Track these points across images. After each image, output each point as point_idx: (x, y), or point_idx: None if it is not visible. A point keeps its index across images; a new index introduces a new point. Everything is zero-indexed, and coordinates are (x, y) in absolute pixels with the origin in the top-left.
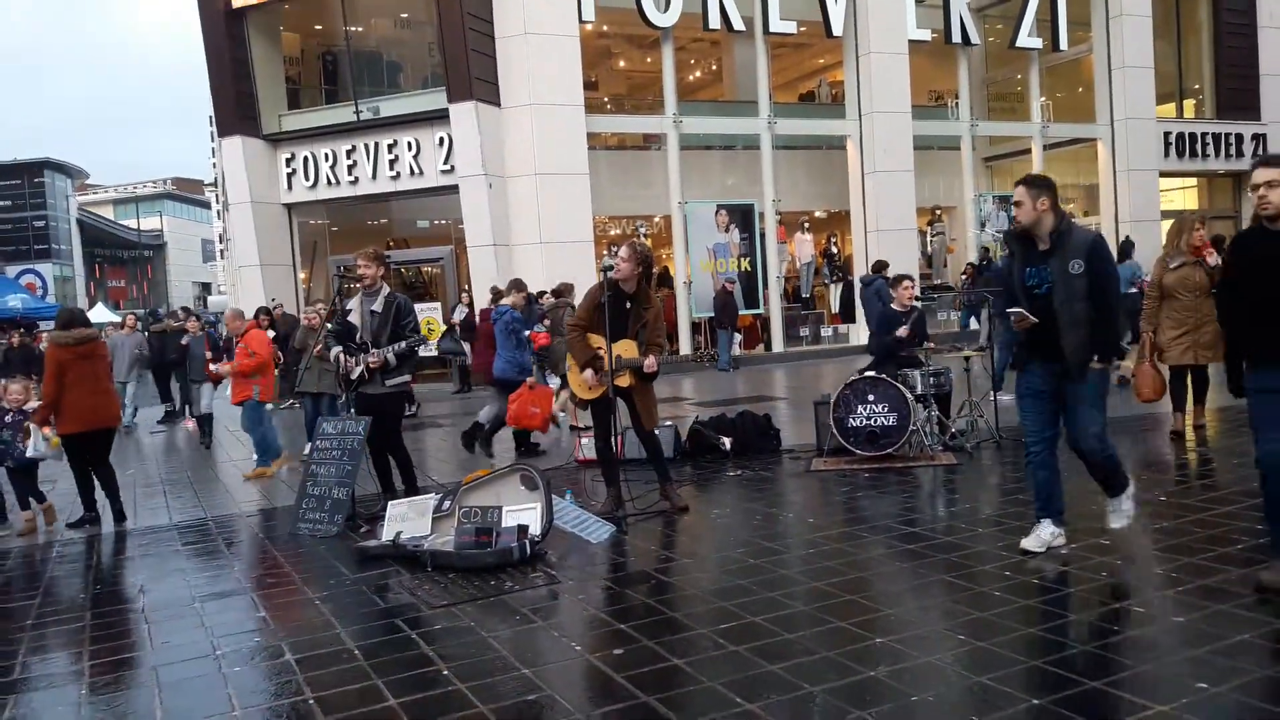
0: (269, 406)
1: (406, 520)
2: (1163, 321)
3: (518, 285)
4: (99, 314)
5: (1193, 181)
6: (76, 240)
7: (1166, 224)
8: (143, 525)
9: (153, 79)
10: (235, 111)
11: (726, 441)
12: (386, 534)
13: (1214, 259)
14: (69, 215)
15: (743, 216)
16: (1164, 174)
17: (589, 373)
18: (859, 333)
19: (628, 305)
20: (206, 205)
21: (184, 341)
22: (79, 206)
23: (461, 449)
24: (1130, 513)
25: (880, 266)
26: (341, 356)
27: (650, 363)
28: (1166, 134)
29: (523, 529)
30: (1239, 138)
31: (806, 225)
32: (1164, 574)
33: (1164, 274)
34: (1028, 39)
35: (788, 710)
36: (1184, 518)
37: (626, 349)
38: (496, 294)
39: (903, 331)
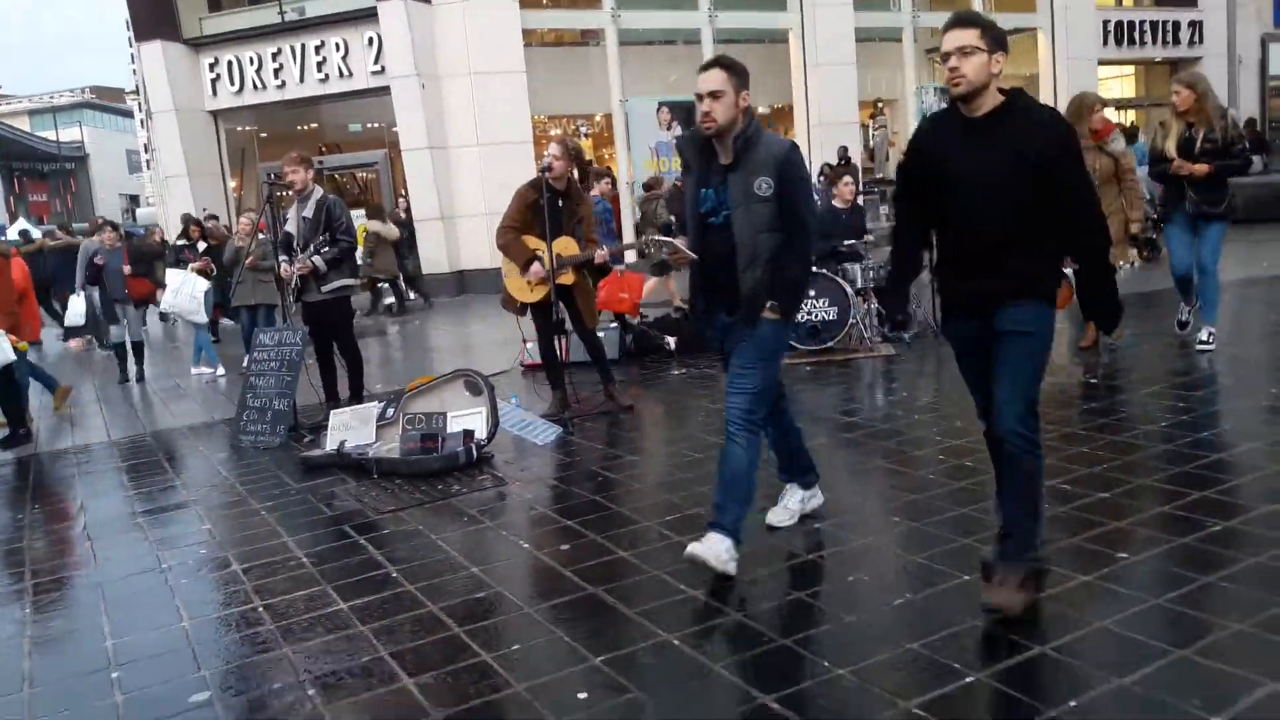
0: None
1: (350, 429)
2: None
3: (601, 174)
4: (21, 228)
5: (1130, 70)
6: None
7: (1107, 114)
8: (80, 443)
9: None
10: (153, 14)
11: (671, 341)
12: (330, 443)
13: (1119, 143)
14: None
15: (686, 114)
16: (1102, 62)
17: (536, 267)
18: None
19: (560, 203)
20: (129, 114)
21: (98, 259)
22: None
23: (405, 359)
24: (795, 513)
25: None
26: (283, 266)
27: (603, 253)
28: (1105, 22)
29: (468, 434)
30: (1176, 25)
31: None
32: (1090, 452)
33: None
34: None
35: (731, 593)
36: (1090, 423)
37: (565, 247)
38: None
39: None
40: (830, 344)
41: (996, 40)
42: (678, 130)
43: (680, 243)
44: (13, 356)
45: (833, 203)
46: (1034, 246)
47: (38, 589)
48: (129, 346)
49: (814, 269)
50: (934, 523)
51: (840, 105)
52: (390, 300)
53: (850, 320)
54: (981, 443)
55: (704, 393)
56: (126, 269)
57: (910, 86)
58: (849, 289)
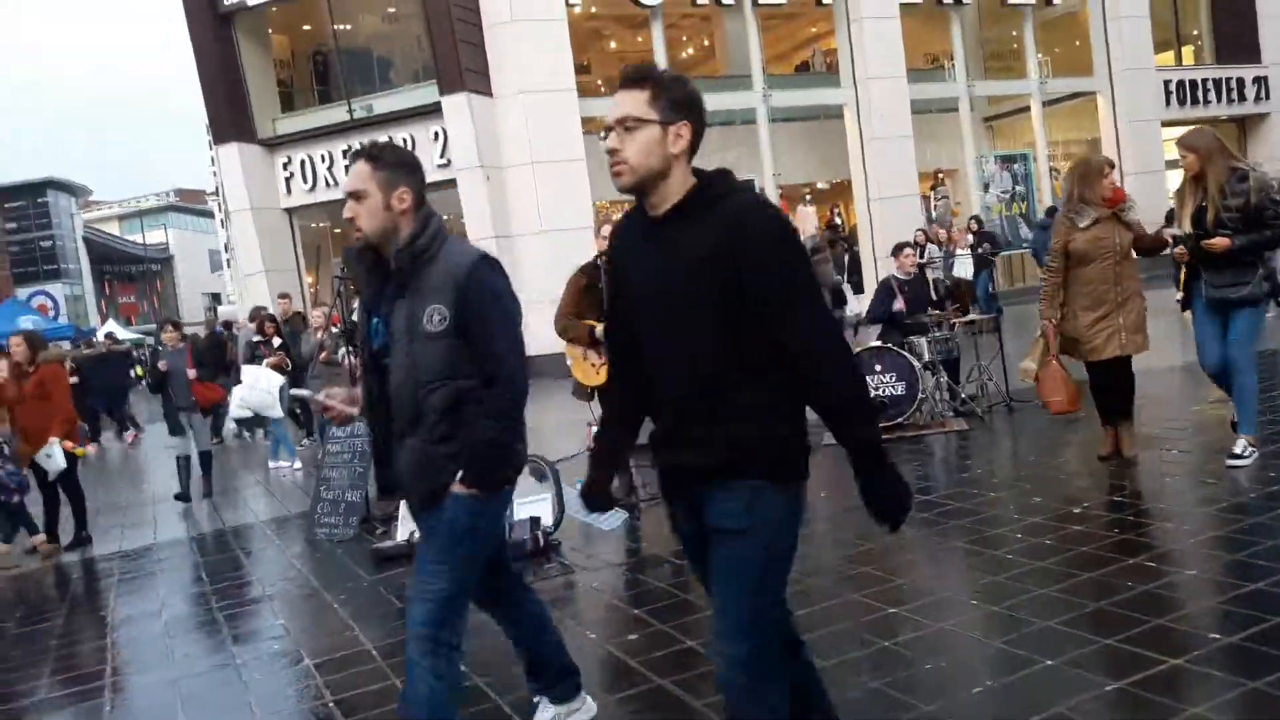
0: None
1: None
2: (1073, 302)
3: None
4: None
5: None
6: (84, 258)
7: (1173, 175)
8: (164, 539)
9: (154, 90)
10: (229, 118)
11: None
12: (401, 534)
13: (1133, 213)
14: (75, 234)
15: None
16: (1166, 123)
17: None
18: (865, 304)
19: None
20: (210, 215)
21: (161, 365)
22: (84, 224)
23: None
24: None
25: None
26: (348, 358)
27: None
28: (1166, 82)
29: (535, 520)
30: (1240, 82)
31: (809, 197)
32: (1196, 531)
33: (1071, 235)
34: None
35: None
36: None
37: None
38: None
39: (899, 305)
40: (900, 420)
41: (678, 104)
42: None
43: (337, 396)
44: (63, 464)
45: (894, 273)
46: (747, 397)
47: (116, 686)
48: (195, 458)
49: (880, 344)
50: (1013, 605)
51: (899, 178)
52: None
53: (919, 395)
54: (1062, 521)
55: None
56: (191, 373)
57: (970, 155)
58: (916, 363)
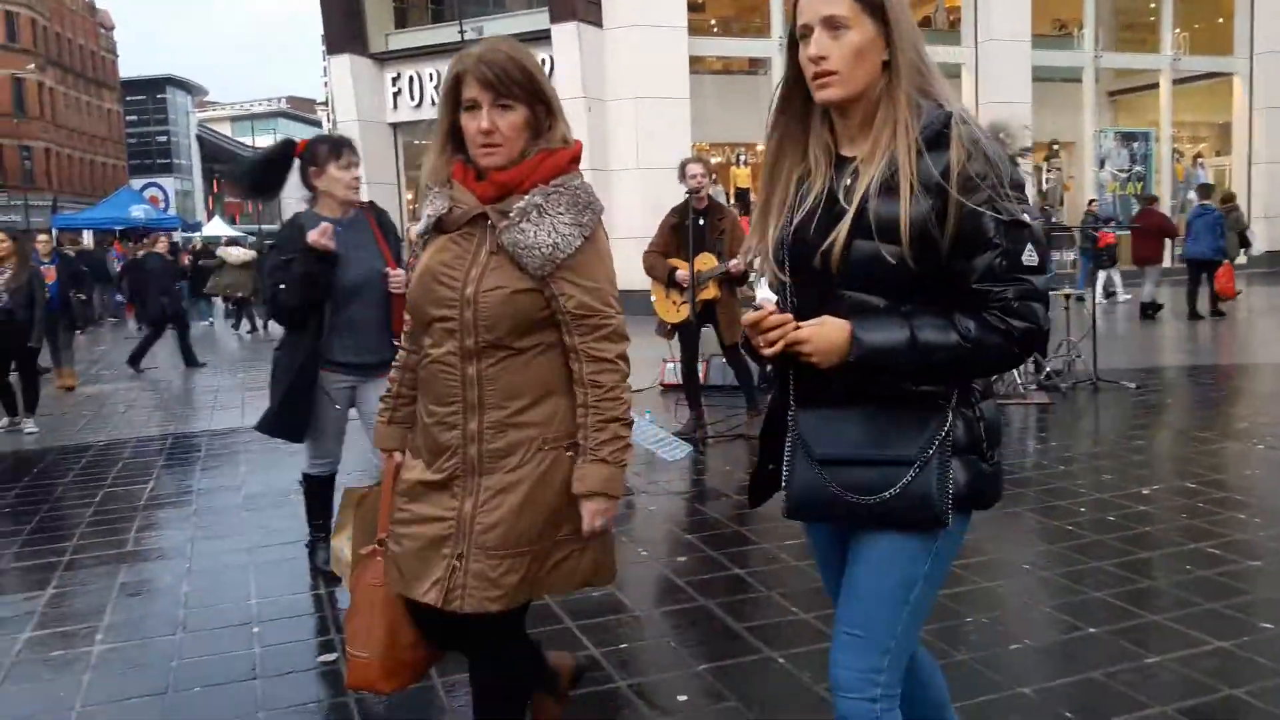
0: None
1: None
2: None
3: (1207, 190)
4: (216, 227)
5: None
6: (196, 155)
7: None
8: (249, 423)
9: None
10: (344, 29)
11: None
12: None
13: (545, 224)
14: (189, 131)
15: None
16: None
17: (682, 274)
18: None
19: (701, 222)
20: (318, 125)
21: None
22: (199, 123)
23: None
24: None
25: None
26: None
27: (735, 263)
28: None
29: None
30: None
31: None
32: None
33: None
34: None
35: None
36: None
37: (705, 262)
38: (1205, 192)
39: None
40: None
41: None
42: None
43: None
44: None
45: None
46: None
47: (196, 551)
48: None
49: None
50: (1066, 573)
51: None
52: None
53: None
54: (1131, 500)
55: None
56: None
57: (1089, 129)
58: None
